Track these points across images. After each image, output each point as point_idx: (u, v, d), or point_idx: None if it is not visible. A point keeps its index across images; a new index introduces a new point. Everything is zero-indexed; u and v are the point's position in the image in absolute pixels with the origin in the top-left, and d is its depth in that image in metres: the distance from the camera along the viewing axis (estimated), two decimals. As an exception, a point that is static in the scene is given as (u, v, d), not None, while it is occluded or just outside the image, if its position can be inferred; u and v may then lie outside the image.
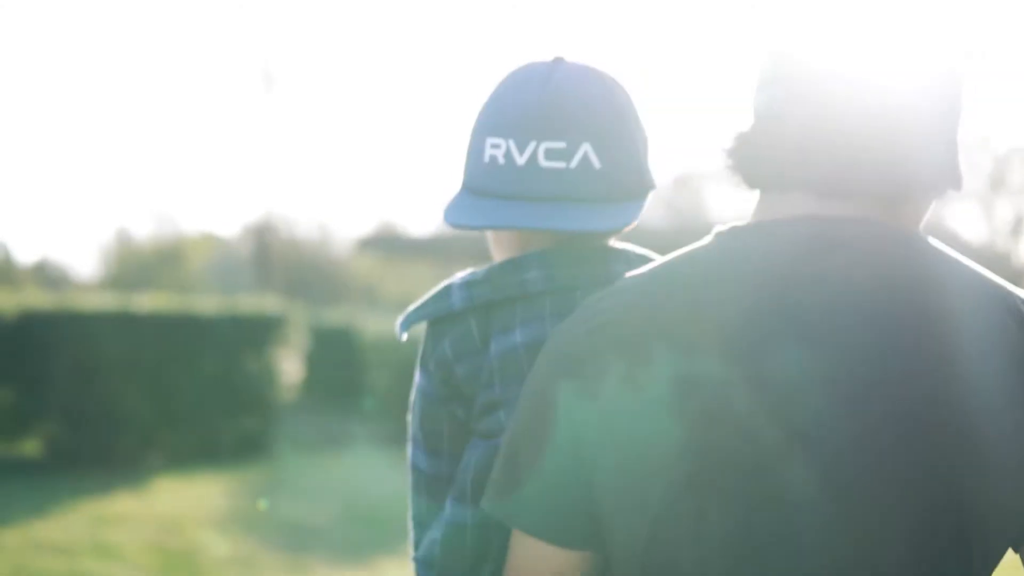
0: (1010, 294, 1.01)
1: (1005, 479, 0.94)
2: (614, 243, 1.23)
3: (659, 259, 1.07)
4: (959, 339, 0.94)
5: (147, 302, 9.45)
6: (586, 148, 1.12)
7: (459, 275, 1.19)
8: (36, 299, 9.31)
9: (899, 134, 0.98)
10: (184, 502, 7.55)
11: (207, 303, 9.93)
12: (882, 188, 0.99)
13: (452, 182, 1.27)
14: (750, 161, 1.03)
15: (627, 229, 1.19)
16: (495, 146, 1.15)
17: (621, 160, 1.15)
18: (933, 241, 1.03)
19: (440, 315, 1.16)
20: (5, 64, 45.87)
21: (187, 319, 9.27)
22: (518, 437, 1.02)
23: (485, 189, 1.17)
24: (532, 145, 1.13)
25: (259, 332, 9.77)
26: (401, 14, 46.98)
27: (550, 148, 1.12)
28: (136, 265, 31.64)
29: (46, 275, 31.55)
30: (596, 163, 1.13)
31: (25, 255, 41.49)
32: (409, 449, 1.21)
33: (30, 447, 8.91)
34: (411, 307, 1.18)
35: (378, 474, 9.04)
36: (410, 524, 1.22)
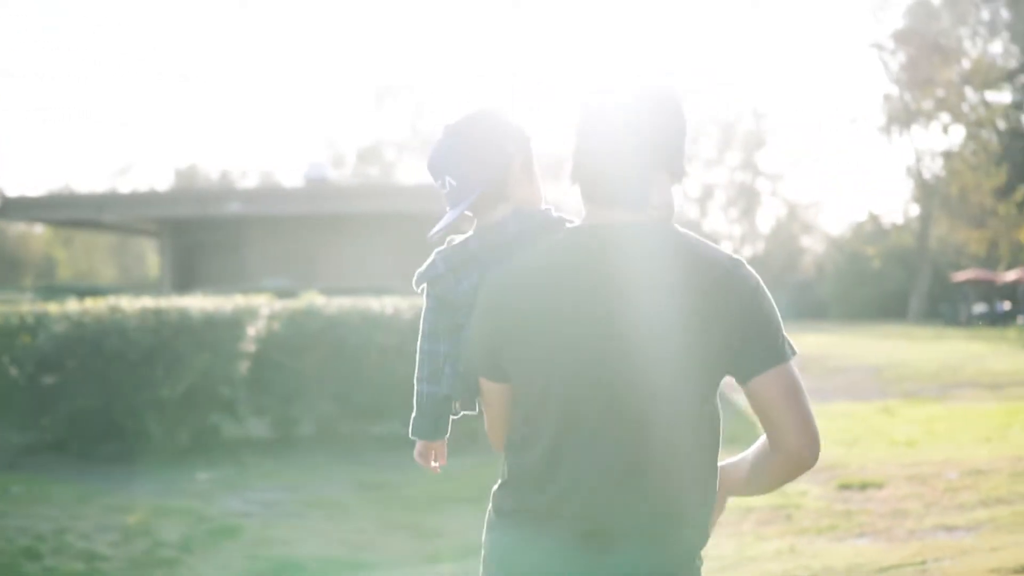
0: (722, 258, 1.90)
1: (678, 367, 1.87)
2: (510, 213, 2.08)
3: (518, 257, 2.00)
4: (654, 282, 1.88)
5: None
6: (447, 177, 2.05)
7: (438, 250, 2.08)
8: None
9: (629, 175, 1.94)
10: None
11: None
12: (624, 201, 1.94)
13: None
14: (578, 182, 1.98)
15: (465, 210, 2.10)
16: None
17: (466, 177, 2.05)
18: (680, 229, 1.94)
19: (433, 277, 2.07)
20: None
21: None
22: (472, 331, 2.05)
23: None
24: (438, 182, 2.09)
25: None
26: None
27: (442, 183, 2.08)
28: None
29: None
30: (453, 182, 2.05)
31: None
32: (419, 341, 2.12)
33: None
34: (418, 271, 2.07)
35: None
36: (415, 379, 2.14)
